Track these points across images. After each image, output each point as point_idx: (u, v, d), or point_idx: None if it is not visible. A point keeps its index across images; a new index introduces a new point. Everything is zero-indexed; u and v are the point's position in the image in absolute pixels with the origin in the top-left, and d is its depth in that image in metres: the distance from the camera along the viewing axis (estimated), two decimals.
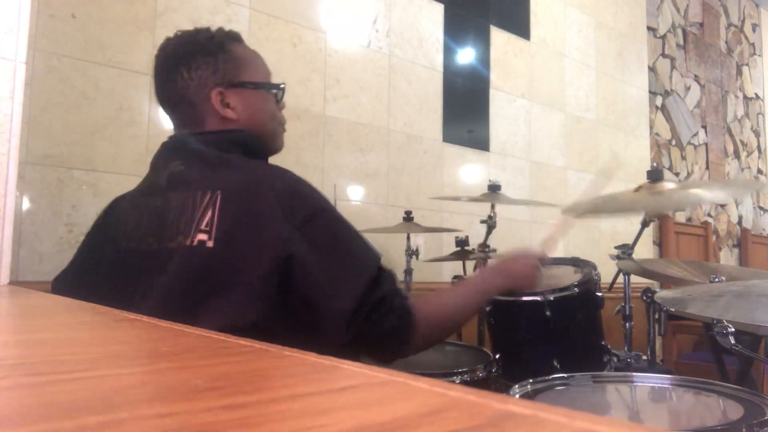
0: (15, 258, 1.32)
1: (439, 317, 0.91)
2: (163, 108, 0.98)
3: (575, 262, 1.58)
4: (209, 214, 0.80)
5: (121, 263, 0.93)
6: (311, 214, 0.78)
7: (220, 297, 0.77)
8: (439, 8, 2.39)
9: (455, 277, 1.85)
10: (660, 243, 3.39)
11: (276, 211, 0.77)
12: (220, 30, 0.98)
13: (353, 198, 2.05)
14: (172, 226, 0.84)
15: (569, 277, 1.49)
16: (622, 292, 1.53)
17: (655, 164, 1.55)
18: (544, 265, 1.13)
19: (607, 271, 1.64)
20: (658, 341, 2.93)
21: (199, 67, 0.92)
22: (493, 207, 1.87)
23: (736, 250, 4.08)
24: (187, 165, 0.89)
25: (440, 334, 0.93)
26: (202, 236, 0.79)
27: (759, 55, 4.56)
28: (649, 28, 3.47)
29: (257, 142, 0.94)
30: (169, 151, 0.94)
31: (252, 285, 0.76)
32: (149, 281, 0.86)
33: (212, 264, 0.78)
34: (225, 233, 0.78)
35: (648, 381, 1.06)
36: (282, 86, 1.00)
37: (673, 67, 3.65)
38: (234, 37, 0.98)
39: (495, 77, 2.57)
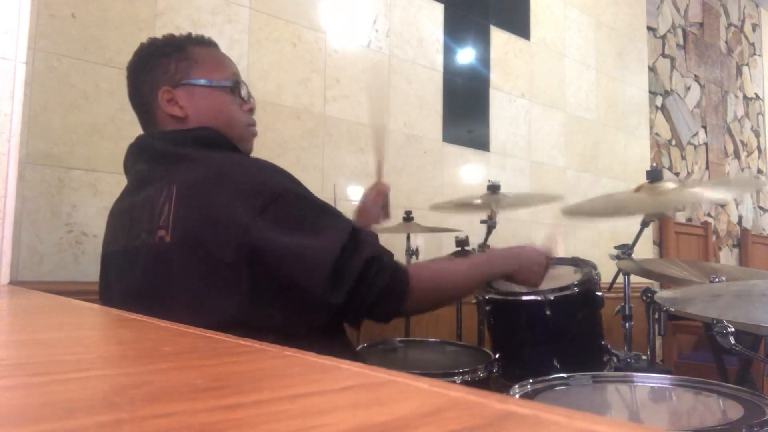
0: (15, 258, 1.32)
1: (436, 279, 0.91)
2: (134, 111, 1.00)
3: (575, 262, 1.58)
4: (166, 209, 0.80)
5: (104, 266, 0.97)
6: (273, 196, 0.77)
7: (189, 292, 0.77)
8: (439, 8, 2.39)
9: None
10: (660, 243, 3.39)
11: (233, 201, 0.76)
12: (189, 35, 0.98)
13: (353, 198, 2.05)
14: (138, 225, 0.85)
15: (569, 276, 1.49)
16: (622, 292, 1.53)
17: (654, 164, 1.55)
18: (549, 266, 1.12)
19: (607, 271, 1.64)
20: (658, 341, 2.93)
21: (153, 69, 0.93)
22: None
23: (736, 250, 4.08)
24: (150, 165, 0.90)
25: (436, 297, 0.92)
26: (161, 232, 0.80)
27: (759, 55, 4.56)
28: (649, 28, 3.47)
29: (220, 139, 0.91)
30: (133, 152, 0.95)
31: (219, 277, 0.76)
32: (123, 281, 0.88)
33: (173, 259, 0.78)
34: (181, 227, 0.78)
35: (648, 381, 1.05)
36: (229, 83, 0.95)
37: (673, 67, 3.65)
38: (198, 41, 0.97)
39: (495, 77, 2.57)
